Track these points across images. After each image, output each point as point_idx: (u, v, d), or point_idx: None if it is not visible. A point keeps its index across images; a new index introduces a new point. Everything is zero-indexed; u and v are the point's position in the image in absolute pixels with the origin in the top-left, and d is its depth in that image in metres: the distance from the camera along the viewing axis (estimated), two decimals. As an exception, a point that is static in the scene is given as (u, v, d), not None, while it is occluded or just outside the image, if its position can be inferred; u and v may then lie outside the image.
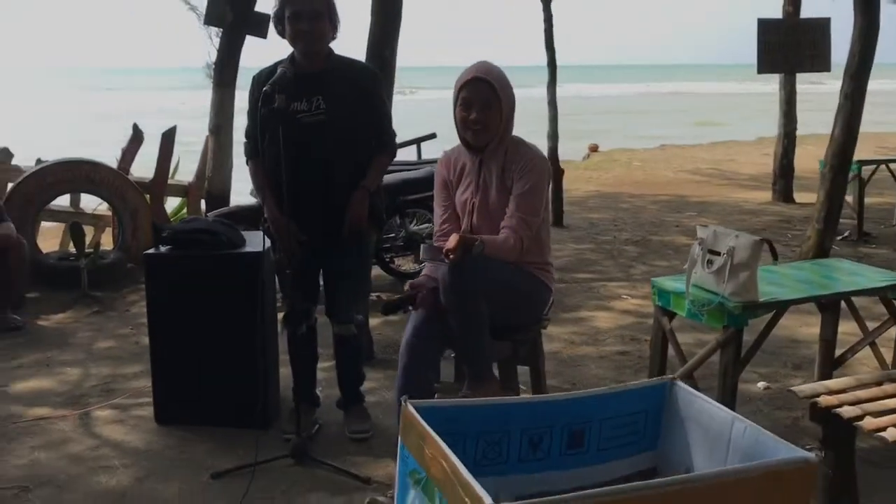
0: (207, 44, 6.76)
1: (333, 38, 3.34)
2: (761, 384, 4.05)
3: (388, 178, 5.84)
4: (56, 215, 7.05)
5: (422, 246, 2.83)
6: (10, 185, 6.53)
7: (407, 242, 6.08)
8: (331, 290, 3.54)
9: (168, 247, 3.65)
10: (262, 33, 6.60)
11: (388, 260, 6.28)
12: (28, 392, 4.15)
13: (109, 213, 6.87)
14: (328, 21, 3.25)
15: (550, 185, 2.97)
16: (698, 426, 1.73)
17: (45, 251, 6.59)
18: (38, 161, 6.95)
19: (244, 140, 3.49)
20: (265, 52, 3.48)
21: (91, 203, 7.41)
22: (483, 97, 2.83)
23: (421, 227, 6.21)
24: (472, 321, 2.67)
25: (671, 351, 3.53)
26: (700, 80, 66.62)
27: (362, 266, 3.58)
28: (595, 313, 5.35)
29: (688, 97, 46.06)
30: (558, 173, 8.34)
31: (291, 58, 3.33)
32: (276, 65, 3.33)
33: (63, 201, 7.08)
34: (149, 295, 3.68)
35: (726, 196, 10.54)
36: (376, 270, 6.04)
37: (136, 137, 7.04)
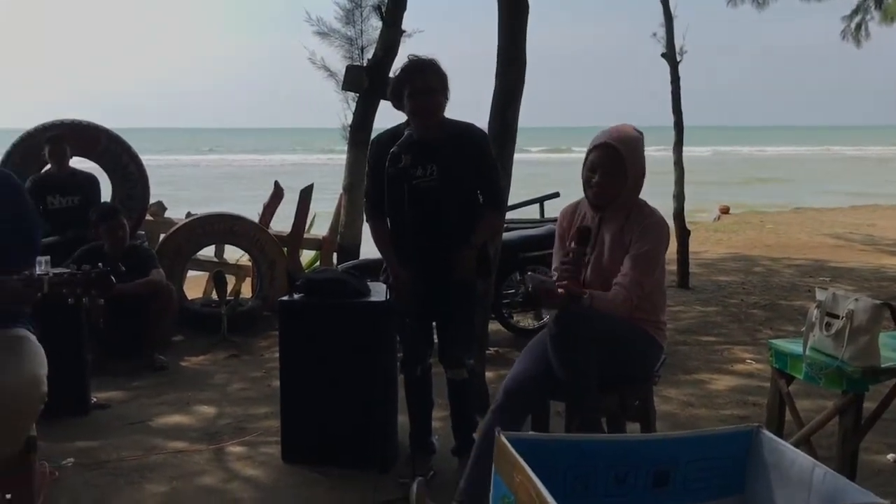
0: (344, 107, 7.19)
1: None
2: (891, 456, 3.88)
3: (509, 235, 6.04)
4: (202, 264, 7.58)
5: (528, 274, 2.93)
6: (162, 236, 7.11)
7: (526, 299, 6.18)
8: (442, 337, 3.71)
9: (301, 294, 3.92)
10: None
11: (507, 315, 6.40)
12: (168, 426, 4.49)
13: (250, 264, 7.34)
14: (442, 95, 3.47)
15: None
16: (781, 472, 1.76)
17: (190, 298, 7.11)
18: (188, 214, 7.53)
19: (364, 201, 3.74)
20: (396, 115, 3.74)
21: (234, 254, 7.93)
22: (609, 164, 2.94)
23: (541, 284, 6.30)
24: (578, 371, 2.75)
25: (789, 416, 3.47)
26: (840, 143, 63.96)
27: (470, 312, 3.73)
28: (715, 376, 5.26)
29: (826, 160, 44.30)
30: (684, 234, 8.27)
31: (409, 123, 3.57)
32: (396, 127, 3.58)
33: (209, 252, 7.63)
34: (281, 338, 3.94)
35: (866, 262, 10.09)
36: (496, 325, 6.18)
37: (277, 194, 7.53)
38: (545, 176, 22.89)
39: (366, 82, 7.06)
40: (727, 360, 5.65)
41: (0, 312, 2.63)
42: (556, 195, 8.76)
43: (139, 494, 3.60)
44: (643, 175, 3.01)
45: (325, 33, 7.27)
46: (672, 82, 8.37)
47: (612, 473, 1.75)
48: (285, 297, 3.99)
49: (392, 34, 7.03)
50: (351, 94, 7.23)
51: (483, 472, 2.72)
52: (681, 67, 8.32)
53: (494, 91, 4.59)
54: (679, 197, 8.37)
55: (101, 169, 6.87)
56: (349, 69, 7.13)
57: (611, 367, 2.86)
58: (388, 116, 6.84)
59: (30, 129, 6.66)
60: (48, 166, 6.30)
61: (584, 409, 2.81)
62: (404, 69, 3.52)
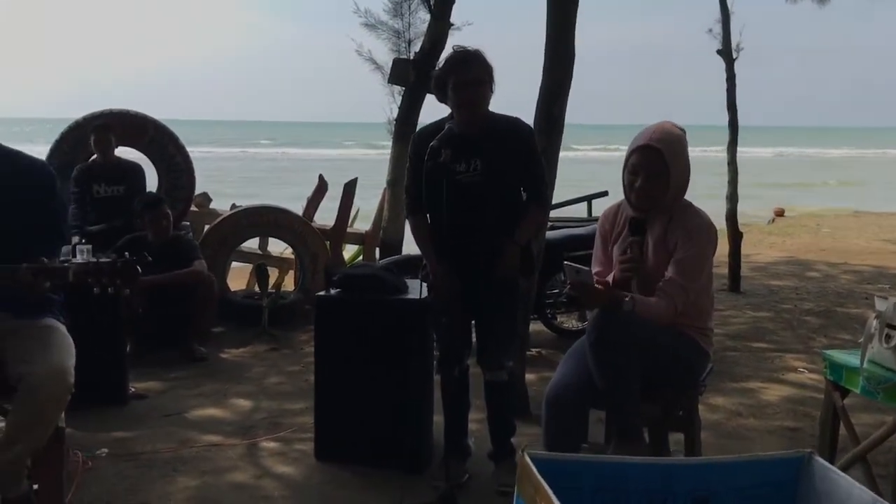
0: (389, 101, 7.11)
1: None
2: (953, 476, 3.67)
3: (554, 233, 5.90)
4: (246, 256, 7.58)
5: (566, 264, 2.79)
6: (206, 227, 7.12)
7: (570, 299, 6.02)
8: (481, 337, 3.60)
9: (338, 290, 3.85)
10: (443, 92, 6.88)
11: (550, 316, 6.26)
12: (203, 419, 4.46)
13: (293, 257, 7.31)
14: (488, 87, 3.37)
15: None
16: None
17: (234, 289, 7.11)
18: (233, 206, 7.54)
19: (404, 196, 3.65)
20: (442, 109, 3.65)
21: (278, 246, 7.91)
22: (651, 166, 2.79)
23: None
24: (618, 376, 2.62)
25: (843, 431, 3.29)
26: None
27: (512, 313, 3.62)
28: (766, 385, 5.06)
29: (887, 162, 43.07)
30: (737, 237, 8.04)
31: (451, 117, 3.47)
32: (439, 122, 3.48)
33: (253, 244, 7.62)
34: (317, 334, 3.87)
35: (929, 269, 9.71)
36: (538, 326, 6.05)
37: (321, 187, 7.49)
38: (593, 174, 22.62)
39: (412, 76, 6.98)
40: (778, 369, 5.44)
41: (28, 302, 2.59)
42: (605, 194, 8.60)
43: (170, 487, 3.56)
44: (688, 175, 2.86)
45: (372, 25, 7.21)
46: (727, 80, 8.12)
47: (646, 499, 1.62)
48: (322, 293, 3.92)
49: (440, 27, 6.93)
50: (397, 88, 7.15)
51: None
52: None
53: (541, 85, 4.46)
54: (732, 198, 8.11)
55: (147, 159, 6.89)
56: (396, 62, 7.05)
57: (653, 375, 2.72)
58: (433, 111, 6.76)
59: (79, 118, 6.71)
60: (95, 155, 6.34)
61: (623, 418, 2.67)
62: (449, 60, 3.42)
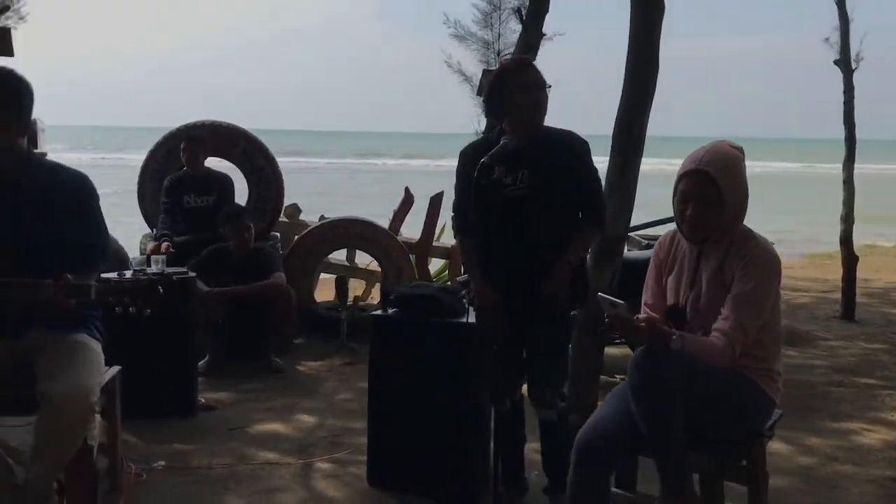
0: (477, 113, 6.94)
1: None
2: None
3: (636, 254, 5.59)
4: (333, 268, 7.57)
5: (599, 296, 2.53)
6: (295, 238, 7.15)
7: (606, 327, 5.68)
8: (530, 370, 3.38)
9: (394, 309, 3.71)
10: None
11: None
12: (264, 435, 4.40)
13: (379, 270, 7.25)
14: (545, 92, 3.22)
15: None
16: None
17: (319, 301, 7.10)
18: (322, 217, 7.55)
19: (452, 214, 3.48)
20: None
21: (366, 258, 7.88)
22: (702, 193, 2.50)
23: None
24: (662, 423, 2.35)
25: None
26: None
27: (562, 343, 3.38)
28: (870, 427, 4.58)
29: None
30: (852, 261, 7.46)
31: (501, 131, 3.28)
32: (488, 136, 3.31)
33: (341, 255, 7.61)
34: (372, 355, 3.75)
35: None
36: (625, 350, 5.73)
37: (407, 200, 7.41)
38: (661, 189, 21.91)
39: (502, 88, 6.79)
40: (887, 409, 4.94)
41: (60, 317, 2.57)
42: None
43: (217, 506, 3.51)
44: (745, 199, 2.55)
45: (461, 36, 7.08)
46: (845, 92, 7.57)
47: None
48: (378, 312, 3.80)
49: (532, 38, 6.70)
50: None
51: None
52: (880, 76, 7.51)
53: (621, 99, 4.21)
54: (847, 219, 7.55)
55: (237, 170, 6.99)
56: (486, 73, 6.87)
57: (704, 422, 2.43)
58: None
59: (173, 129, 6.86)
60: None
61: (668, 469, 2.39)
62: (507, 66, 3.27)
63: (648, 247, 5.71)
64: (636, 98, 4.15)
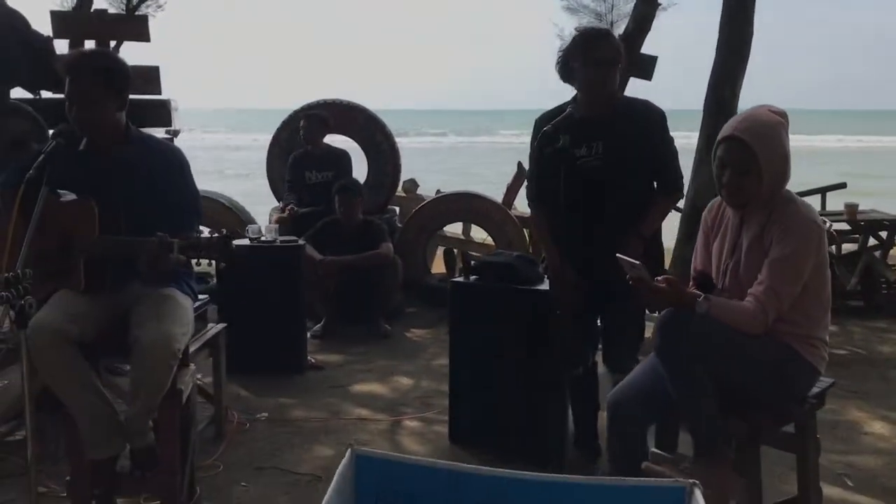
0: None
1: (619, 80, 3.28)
2: None
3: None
4: (448, 241, 7.80)
5: (619, 257, 2.56)
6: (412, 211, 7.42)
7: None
8: (605, 339, 3.44)
9: (474, 277, 3.86)
10: (648, 75, 6.58)
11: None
12: (362, 394, 4.68)
13: (494, 243, 7.40)
14: (616, 68, 3.23)
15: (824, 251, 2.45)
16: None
17: (434, 272, 7.35)
18: (437, 192, 7.77)
19: (526, 185, 3.56)
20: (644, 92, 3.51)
21: (482, 233, 8.05)
22: (737, 160, 2.49)
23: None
24: (690, 388, 2.38)
25: None
26: None
27: (635, 314, 3.40)
28: None
29: None
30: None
31: (575, 99, 3.32)
32: (560, 106, 3.35)
33: (457, 228, 7.82)
34: (451, 320, 3.92)
35: None
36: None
37: (520, 174, 7.50)
38: (831, 165, 20.76)
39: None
40: None
41: (154, 272, 2.87)
42: (843, 185, 7.83)
43: (307, 454, 3.80)
44: (784, 165, 2.50)
45: (574, 9, 7.08)
46: None
47: None
48: (458, 278, 3.96)
49: (646, 8, 6.62)
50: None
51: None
52: None
53: (713, 67, 4.16)
54: None
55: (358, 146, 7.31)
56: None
57: (736, 387, 2.44)
58: (635, 94, 6.51)
59: (297, 108, 7.26)
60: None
61: (698, 433, 2.43)
62: (577, 38, 3.31)
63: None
64: (729, 62, 4.09)
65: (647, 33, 6.63)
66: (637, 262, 2.51)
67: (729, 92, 4.08)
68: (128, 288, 2.96)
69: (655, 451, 2.56)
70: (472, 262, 3.95)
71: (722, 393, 2.41)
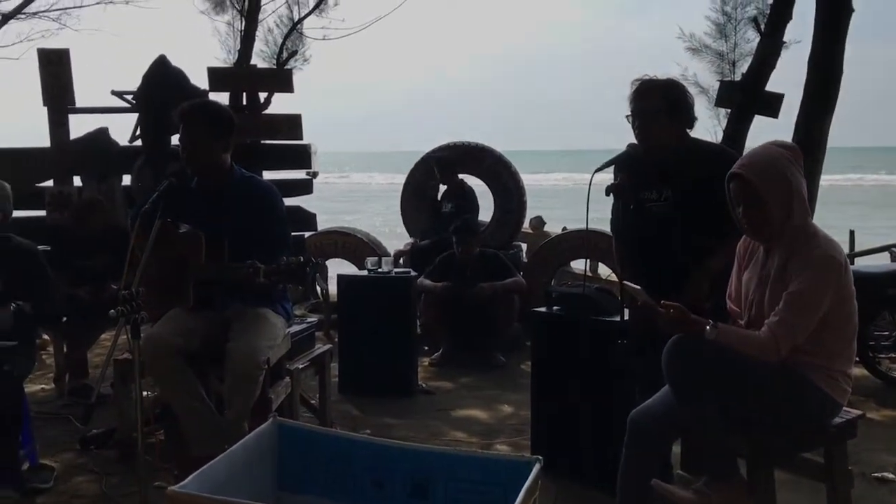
0: (714, 124, 6.95)
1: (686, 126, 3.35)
2: None
3: (873, 268, 5.29)
4: (575, 277, 7.93)
5: (623, 283, 2.67)
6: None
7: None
8: None
9: (556, 307, 4.05)
10: (774, 113, 6.52)
11: (874, 359, 5.56)
12: (465, 418, 4.95)
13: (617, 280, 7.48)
14: (668, 116, 3.25)
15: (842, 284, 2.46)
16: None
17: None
18: (564, 229, 7.96)
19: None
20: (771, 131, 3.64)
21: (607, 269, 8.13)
22: (744, 196, 2.59)
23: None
24: (698, 412, 2.46)
25: None
26: None
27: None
28: None
29: None
30: None
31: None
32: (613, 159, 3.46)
33: (581, 264, 7.97)
34: (533, 349, 4.12)
35: None
36: (861, 371, 5.42)
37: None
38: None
39: (739, 97, 6.73)
40: None
41: (251, 294, 3.30)
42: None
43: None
44: (791, 196, 2.54)
45: (696, 49, 7.12)
46: None
47: (368, 476, 1.66)
48: (540, 308, 4.15)
49: (770, 46, 6.57)
50: (722, 111, 6.96)
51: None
52: None
53: (801, 102, 4.17)
54: None
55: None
56: (723, 84, 6.86)
57: (746, 412, 2.49)
58: (759, 133, 6.47)
59: (428, 151, 7.74)
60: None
61: (708, 452, 2.51)
62: (633, 87, 3.42)
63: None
64: (816, 102, 4.10)
65: (771, 70, 6.57)
66: (638, 287, 2.64)
67: (817, 130, 4.07)
68: (229, 306, 3.41)
69: (680, 472, 2.65)
70: (553, 294, 4.14)
71: (731, 416, 2.48)
